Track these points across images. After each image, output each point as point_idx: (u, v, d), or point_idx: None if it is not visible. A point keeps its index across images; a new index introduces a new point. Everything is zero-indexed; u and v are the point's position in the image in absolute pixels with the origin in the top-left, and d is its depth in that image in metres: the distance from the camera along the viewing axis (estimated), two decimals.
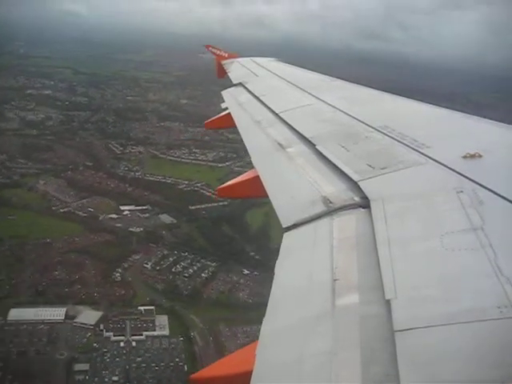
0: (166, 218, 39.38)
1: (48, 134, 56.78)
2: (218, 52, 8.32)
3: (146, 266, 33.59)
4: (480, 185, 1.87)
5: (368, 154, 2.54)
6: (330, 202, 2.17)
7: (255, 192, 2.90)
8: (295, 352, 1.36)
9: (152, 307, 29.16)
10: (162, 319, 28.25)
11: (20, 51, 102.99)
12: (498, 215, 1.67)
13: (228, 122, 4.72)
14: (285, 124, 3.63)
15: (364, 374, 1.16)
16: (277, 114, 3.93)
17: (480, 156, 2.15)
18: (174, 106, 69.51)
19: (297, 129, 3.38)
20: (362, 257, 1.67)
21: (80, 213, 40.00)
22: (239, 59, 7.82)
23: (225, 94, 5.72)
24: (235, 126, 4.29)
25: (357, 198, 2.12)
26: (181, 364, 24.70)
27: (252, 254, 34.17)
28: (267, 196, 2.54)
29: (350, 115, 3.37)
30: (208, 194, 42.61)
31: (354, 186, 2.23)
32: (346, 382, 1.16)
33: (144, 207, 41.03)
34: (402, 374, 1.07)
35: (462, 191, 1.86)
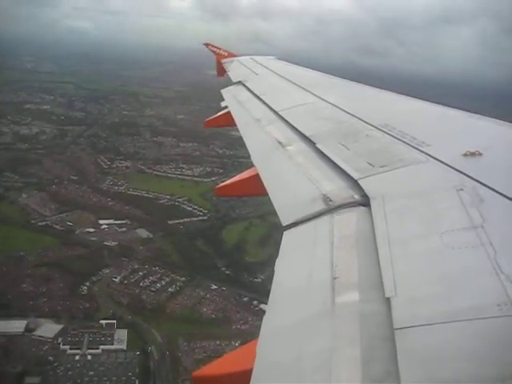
0: (142, 233, 39.79)
1: (39, 148, 56.78)
2: (218, 51, 8.32)
3: (114, 279, 33.53)
4: (480, 183, 1.88)
5: (368, 152, 2.55)
6: (330, 200, 2.17)
7: (254, 190, 2.89)
8: (295, 350, 1.35)
9: (113, 321, 28.93)
10: (122, 333, 28.10)
11: (27, 66, 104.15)
12: (499, 213, 1.68)
13: (228, 121, 4.71)
14: (284, 122, 3.63)
15: (364, 372, 1.15)
16: (276, 113, 3.93)
17: (480, 154, 2.16)
18: (169, 121, 69.90)
19: (297, 127, 3.38)
20: (362, 255, 1.67)
21: (57, 226, 40.17)
22: (239, 58, 7.86)
23: (224, 92, 5.72)
24: (235, 125, 4.27)
25: (357, 196, 2.12)
26: (133, 378, 24.62)
27: (223, 269, 34.35)
28: (266, 194, 2.53)
29: (350, 113, 3.38)
30: (188, 208, 43.06)
31: (354, 184, 2.23)
32: (346, 380, 1.15)
33: (123, 221, 41.23)
34: (402, 372, 1.06)
35: (462, 189, 1.86)
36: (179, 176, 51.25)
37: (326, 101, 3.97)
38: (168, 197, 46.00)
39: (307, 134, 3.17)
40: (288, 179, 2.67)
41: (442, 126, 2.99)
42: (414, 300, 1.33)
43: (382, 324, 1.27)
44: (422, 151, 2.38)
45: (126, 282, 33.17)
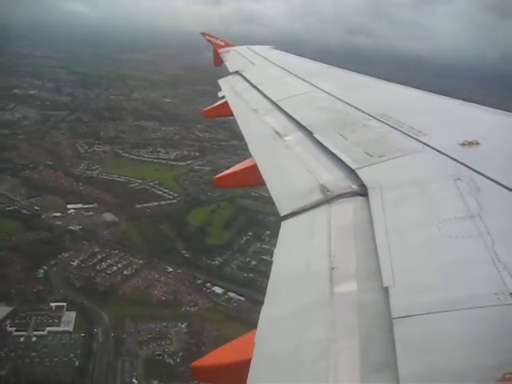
0: (108, 217, 39.47)
1: (19, 134, 55.35)
2: (215, 40, 8.19)
3: (72, 263, 33.24)
4: (477, 172, 1.88)
5: (366, 142, 2.54)
6: (328, 190, 2.16)
7: (252, 181, 2.87)
8: (293, 340, 1.35)
9: (63, 304, 28.81)
10: (70, 315, 28.03)
11: (23, 51, 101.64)
12: (496, 202, 1.68)
13: (225, 111, 4.65)
14: (282, 112, 3.60)
15: (362, 362, 1.15)
16: (274, 102, 3.90)
17: (477, 143, 2.16)
18: (155, 105, 68.73)
19: (294, 117, 3.36)
20: (360, 245, 1.67)
21: (25, 211, 39.62)
22: (236, 48, 7.75)
23: (222, 82, 5.64)
24: (232, 115, 4.21)
25: (354, 186, 2.12)
26: (74, 359, 24.69)
27: (183, 252, 34.14)
28: (264, 184, 2.51)
29: (348, 103, 3.36)
30: (158, 192, 42.60)
31: (352, 173, 2.22)
32: (344, 370, 1.15)
33: (91, 205, 40.79)
34: (400, 361, 1.06)
35: (459, 178, 1.86)
36: (155, 160, 50.35)
37: (323, 90, 3.95)
38: (139, 181, 45.28)
39: (304, 123, 3.15)
40: (286, 169, 2.65)
41: (439, 115, 2.99)
42: (412, 289, 1.33)
43: (379, 313, 1.27)
44: (420, 141, 2.38)
45: (83, 265, 32.71)
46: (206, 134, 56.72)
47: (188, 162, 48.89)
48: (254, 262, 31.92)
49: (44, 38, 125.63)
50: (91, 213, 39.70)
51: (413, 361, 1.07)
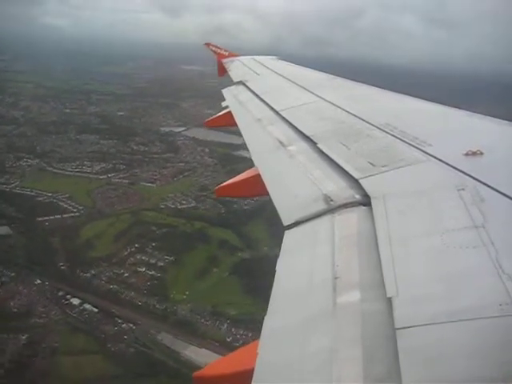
0: (3, 230, 38.20)
1: None
2: (219, 50, 8.28)
3: None
4: (481, 182, 1.88)
5: (369, 152, 2.55)
6: (331, 200, 2.17)
7: (255, 191, 2.89)
8: (297, 350, 1.35)
9: None
10: None
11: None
12: (500, 213, 1.68)
13: (228, 121, 4.70)
14: (286, 122, 3.63)
15: (366, 372, 1.14)
16: (278, 112, 3.94)
17: (481, 153, 2.16)
18: (106, 119, 67.75)
19: (298, 127, 3.39)
20: (363, 255, 1.66)
21: None
22: (240, 57, 7.85)
23: (225, 92, 5.71)
24: (235, 125, 4.26)
25: (358, 196, 2.12)
26: None
27: (60, 264, 33.39)
28: (268, 194, 2.52)
29: (351, 113, 3.38)
30: (65, 205, 41.92)
31: (355, 183, 2.23)
32: (347, 380, 1.15)
33: None
34: (403, 372, 1.06)
35: (463, 189, 1.86)
36: (77, 173, 49.43)
37: (327, 101, 3.98)
38: (50, 194, 44.03)
39: (308, 133, 3.17)
40: (289, 179, 2.67)
41: (443, 125, 3.00)
42: (416, 299, 1.32)
43: (383, 324, 1.27)
44: (423, 151, 2.38)
45: None
46: (141, 147, 55.67)
47: (109, 175, 48.06)
48: (126, 274, 31.45)
49: (21, 52, 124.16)
50: None
51: (416, 371, 1.07)
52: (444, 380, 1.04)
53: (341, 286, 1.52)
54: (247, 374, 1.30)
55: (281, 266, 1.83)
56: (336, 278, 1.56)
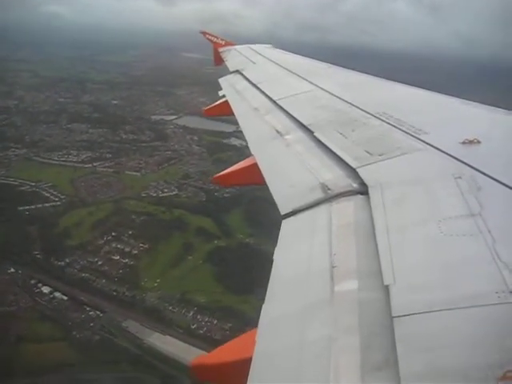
0: None
1: None
2: (215, 39, 8.15)
3: None
4: (478, 171, 1.88)
5: (366, 141, 2.53)
6: (329, 189, 2.16)
7: (252, 179, 2.87)
8: (294, 338, 1.35)
9: None
10: None
11: (1, 54, 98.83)
12: (496, 201, 1.68)
13: (226, 110, 4.65)
14: (282, 111, 3.60)
15: (363, 360, 1.15)
16: (274, 101, 3.90)
17: (478, 142, 2.16)
18: (99, 108, 66.35)
19: (295, 116, 3.36)
20: (361, 243, 1.66)
21: None
22: (236, 46, 7.74)
23: (222, 81, 5.65)
24: (233, 114, 4.22)
25: (355, 185, 2.11)
26: None
27: (35, 253, 32.97)
28: (265, 183, 2.51)
29: (348, 102, 3.36)
30: (47, 194, 41.22)
31: (353, 172, 2.22)
32: (345, 368, 1.15)
33: None
34: (400, 360, 1.07)
35: (460, 177, 1.86)
36: (62, 162, 48.44)
37: (323, 89, 3.94)
38: (33, 183, 43.22)
39: (305, 122, 3.15)
40: (286, 168, 2.65)
41: (440, 113, 2.98)
42: (413, 288, 1.33)
43: (380, 312, 1.27)
44: (420, 139, 2.37)
45: None
46: (130, 136, 54.74)
47: (94, 164, 47.17)
48: (100, 263, 31.15)
49: (22, 41, 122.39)
50: None
51: (414, 359, 1.07)
52: (441, 368, 1.04)
53: (338, 274, 1.52)
54: (245, 363, 1.30)
55: (278, 254, 1.82)
56: (333, 266, 1.56)
